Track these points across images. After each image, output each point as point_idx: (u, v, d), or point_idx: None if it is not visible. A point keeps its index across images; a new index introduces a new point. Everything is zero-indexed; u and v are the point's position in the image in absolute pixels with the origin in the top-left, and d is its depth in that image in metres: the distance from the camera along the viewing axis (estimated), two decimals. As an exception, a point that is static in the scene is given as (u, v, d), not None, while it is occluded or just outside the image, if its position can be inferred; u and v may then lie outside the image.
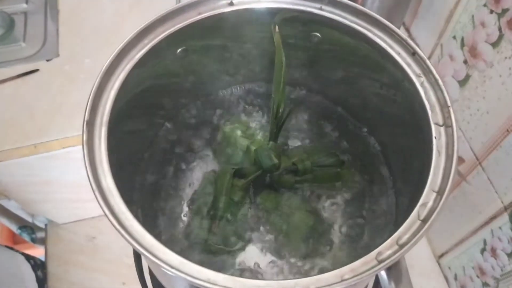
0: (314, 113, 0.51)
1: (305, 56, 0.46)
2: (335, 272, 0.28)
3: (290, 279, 0.28)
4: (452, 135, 0.33)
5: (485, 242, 0.52)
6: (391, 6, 0.59)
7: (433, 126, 0.34)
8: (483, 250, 0.52)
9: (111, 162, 0.33)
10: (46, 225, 0.70)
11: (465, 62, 0.51)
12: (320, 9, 0.40)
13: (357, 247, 0.42)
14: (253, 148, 0.44)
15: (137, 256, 0.51)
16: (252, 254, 0.43)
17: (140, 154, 0.46)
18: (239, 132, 0.47)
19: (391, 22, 0.38)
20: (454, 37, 0.53)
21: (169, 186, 0.46)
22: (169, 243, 0.42)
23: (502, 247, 0.49)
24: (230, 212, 0.43)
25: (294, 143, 0.49)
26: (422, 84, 0.36)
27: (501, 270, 0.50)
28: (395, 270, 0.31)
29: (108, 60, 0.36)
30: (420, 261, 0.64)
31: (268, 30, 0.42)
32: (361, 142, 0.49)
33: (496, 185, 0.48)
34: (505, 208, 0.47)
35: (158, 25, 0.38)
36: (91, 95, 0.34)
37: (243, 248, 0.43)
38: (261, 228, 0.44)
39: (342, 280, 0.27)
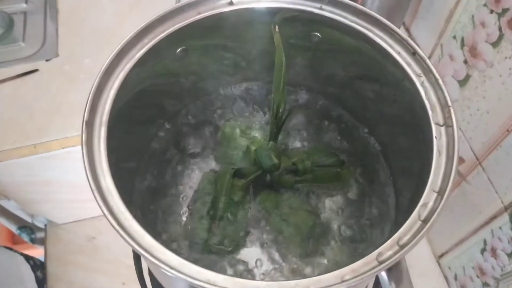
0: (314, 113, 0.51)
1: (305, 56, 0.46)
2: (336, 273, 0.28)
3: (291, 279, 0.28)
4: (453, 135, 0.33)
5: (485, 242, 0.52)
6: (391, 6, 0.59)
7: (433, 126, 0.34)
8: (483, 250, 0.52)
9: (110, 162, 0.32)
10: (45, 225, 0.70)
11: (465, 62, 0.50)
12: (320, 8, 0.40)
13: (357, 247, 0.42)
14: (253, 148, 0.44)
15: (137, 257, 0.51)
16: (252, 255, 0.43)
17: (139, 154, 0.46)
18: (239, 132, 0.47)
19: (391, 22, 0.38)
20: (454, 37, 0.53)
21: (169, 186, 0.46)
22: (169, 244, 0.42)
23: (502, 247, 0.49)
24: (230, 212, 0.43)
25: (294, 143, 0.49)
26: (422, 83, 0.36)
27: (501, 270, 0.50)
28: (396, 270, 0.31)
29: (108, 60, 0.36)
30: (420, 261, 0.64)
31: (268, 30, 0.42)
32: (361, 142, 0.48)
33: (496, 185, 0.48)
34: (505, 208, 0.47)
35: (158, 24, 0.38)
36: (90, 95, 0.34)
37: (243, 249, 0.43)
38: (261, 228, 0.44)
39: (343, 281, 0.27)
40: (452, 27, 0.53)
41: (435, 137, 0.34)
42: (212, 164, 0.48)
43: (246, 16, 0.41)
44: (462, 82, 0.52)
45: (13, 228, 0.76)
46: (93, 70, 0.35)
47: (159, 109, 0.48)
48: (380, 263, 0.28)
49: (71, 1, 0.67)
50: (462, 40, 0.51)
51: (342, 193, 0.46)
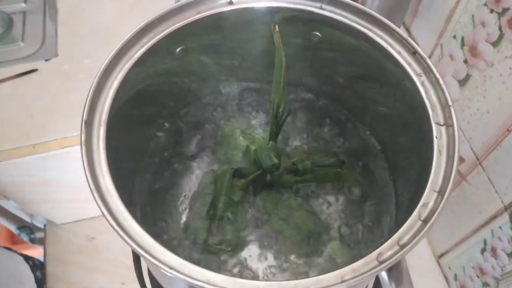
0: (314, 113, 0.51)
1: (305, 55, 0.46)
2: (336, 273, 0.28)
3: (290, 279, 0.28)
4: (453, 134, 0.33)
5: (485, 242, 0.52)
6: (391, 5, 0.59)
7: (434, 126, 0.34)
8: (483, 250, 0.52)
9: (109, 162, 0.32)
10: (45, 225, 0.70)
11: (465, 61, 0.50)
12: (321, 8, 0.40)
13: (357, 247, 0.42)
14: (252, 148, 0.44)
15: (136, 257, 0.51)
16: (252, 255, 0.43)
17: (139, 154, 0.46)
18: (238, 132, 0.47)
19: (391, 22, 0.38)
20: (454, 37, 0.52)
21: (168, 186, 0.46)
22: (168, 244, 0.42)
23: (502, 247, 0.49)
24: (229, 212, 0.43)
25: (294, 143, 0.49)
26: (422, 83, 0.36)
27: (501, 270, 0.50)
28: (396, 270, 0.31)
29: (107, 60, 0.35)
30: (419, 261, 0.64)
31: (268, 30, 0.42)
32: (361, 142, 0.48)
33: (496, 185, 0.48)
34: (505, 208, 0.47)
35: (157, 24, 0.38)
36: (89, 95, 0.34)
37: (243, 249, 0.43)
38: (261, 228, 0.44)
39: (343, 281, 0.27)
40: (452, 27, 0.53)
41: (436, 136, 0.34)
42: (212, 164, 0.48)
43: (246, 16, 0.41)
44: (462, 82, 0.51)
45: (13, 228, 0.76)
46: (93, 70, 0.35)
47: (158, 109, 0.47)
48: (380, 263, 0.28)
49: (71, 1, 0.67)
50: (462, 39, 0.51)
51: (342, 193, 0.46)
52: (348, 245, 0.43)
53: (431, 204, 0.31)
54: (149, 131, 0.48)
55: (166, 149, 0.48)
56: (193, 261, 0.28)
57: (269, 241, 0.43)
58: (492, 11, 0.45)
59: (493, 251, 0.50)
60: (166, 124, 0.49)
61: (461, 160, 0.53)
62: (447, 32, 0.55)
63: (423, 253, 0.65)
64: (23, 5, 0.67)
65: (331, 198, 0.46)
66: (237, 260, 0.42)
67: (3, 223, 0.74)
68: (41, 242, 0.71)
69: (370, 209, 0.44)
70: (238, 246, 0.43)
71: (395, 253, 0.29)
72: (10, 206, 0.70)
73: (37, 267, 0.67)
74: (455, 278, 0.61)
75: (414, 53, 0.37)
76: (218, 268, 0.42)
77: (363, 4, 0.39)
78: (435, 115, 0.35)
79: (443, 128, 0.34)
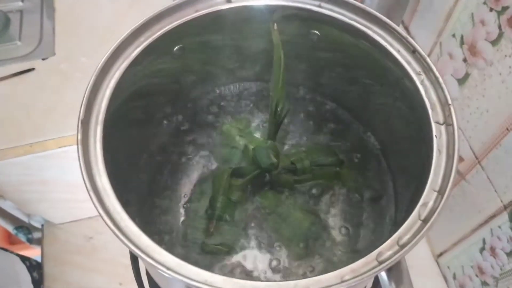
0: (313, 112, 0.50)
1: (304, 54, 0.46)
2: (335, 273, 0.28)
3: (290, 279, 0.28)
4: (453, 133, 0.33)
5: (484, 241, 0.52)
6: (391, 4, 0.58)
7: (433, 125, 0.34)
8: (482, 249, 0.52)
9: (106, 161, 0.32)
10: (42, 225, 0.69)
11: (465, 60, 0.50)
12: (319, 6, 0.39)
13: (357, 247, 0.42)
14: (251, 147, 0.44)
15: (134, 257, 0.51)
16: (251, 255, 0.42)
17: (136, 154, 0.46)
18: (237, 131, 0.47)
19: (390, 20, 0.38)
20: (454, 35, 0.52)
21: (166, 186, 0.46)
22: (166, 244, 0.42)
23: (501, 246, 0.48)
24: (228, 212, 0.42)
25: (292, 142, 0.49)
26: (422, 82, 0.36)
27: (501, 269, 0.50)
28: (396, 270, 0.31)
29: (103, 58, 0.35)
30: (418, 260, 0.64)
31: (266, 28, 0.41)
32: (360, 141, 0.48)
33: (495, 184, 0.48)
34: (505, 207, 0.47)
35: (155, 22, 0.38)
36: (86, 94, 0.34)
37: (241, 248, 0.43)
38: (260, 228, 0.44)
39: (342, 281, 0.27)
40: (452, 25, 0.53)
41: (435, 135, 0.34)
42: (210, 164, 0.47)
43: (244, 14, 0.41)
44: (462, 81, 0.51)
45: (10, 228, 0.75)
46: (90, 69, 0.35)
47: (156, 108, 0.47)
48: (380, 263, 0.28)
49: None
50: (462, 38, 0.51)
51: (341, 193, 0.45)
52: (347, 245, 0.43)
53: (430, 203, 0.31)
54: (147, 130, 0.47)
55: (164, 149, 0.47)
56: (190, 261, 0.28)
57: (268, 241, 0.43)
58: (491, 9, 0.45)
59: (492, 250, 0.50)
60: (164, 123, 0.49)
61: (460, 159, 0.52)
62: (446, 30, 0.54)
63: (421, 252, 0.65)
64: (20, 3, 0.67)
65: (330, 198, 0.45)
66: (236, 260, 0.42)
67: (0, 223, 0.74)
68: (39, 242, 0.70)
69: (369, 209, 0.44)
70: (236, 246, 0.42)
71: (395, 253, 0.29)
72: (7, 206, 0.69)
73: (34, 267, 0.67)
74: (454, 278, 0.61)
75: (413, 51, 0.37)
76: (216, 268, 0.41)
77: (362, 2, 0.39)
78: (434, 114, 0.35)
79: (442, 127, 0.34)
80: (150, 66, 0.40)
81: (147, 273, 0.49)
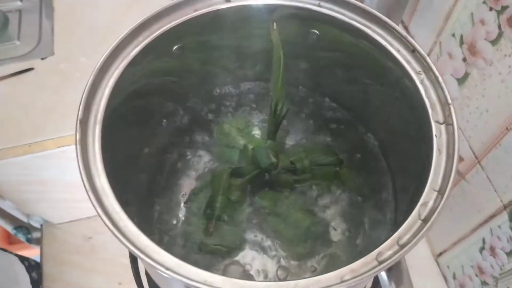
0: (313, 112, 0.50)
1: (303, 54, 0.46)
2: (335, 273, 0.28)
3: (289, 279, 0.28)
4: (453, 133, 0.33)
5: (484, 241, 0.51)
6: (390, 3, 0.58)
7: (433, 124, 0.34)
8: (482, 249, 0.52)
9: (105, 161, 0.32)
10: (41, 225, 0.69)
11: (464, 60, 0.50)
12: (319, 5, 0.39)
13: (356, 247, 0.42)
14: (250, 146, 0.44)
15: (133, 257, 0.51)
16: (250, 255, 0.42)
17: (135, 154, 0.46)
18: (236, 131, 0.47)
19: (390, 20, 0.38)
20: (453, 35, 0.52)
21: (166, 185, 0.46)
22: (165, 244, 0.42)
23: (501, 246, 0.48)
24: (227, 212, 0.42)
25: (292, 142, 0.49)
26: (422, 81, 0.36)
27: (500, 269, 0.49)
28: (396, 270, 0.31)
29: (102, 58, 0.35)
30: (418, 260, 0.64)
31: (266, 28, 0.41)
32: (360, 141, 0.48)
33: (495, 184, 0.47)
34: (504, 207, 0.46)
35: (154, 22, 0.38)
36: (84, 93, 0.34)
37: (240, 249, 0.42)
38: (259, 228, 0.43)
39: (342, 281, 0.27)
40: (451, 25, 0.53)
41: (435, 135, 0.34)
42: (210, 164, 0.47)
43: (243, 14, 0.41)
44: (461, 80, 0.51)
45: (9, 228, 0.75)
46: (89, 69, 0.35)
47: (155, 107, 0.47)
48: (380, 263, 0.28)
49: (67, -1, 0.67)
50: (461, 38, 0.50)
51: (340, 192, 0.45)
52: (347, 244, 0.43)
53: (430, 203, 0.31)
54: (146, 130, 0.47)
55: (163, 148, 0.47)
56: (190, 261, 0.28)
57: (267, 241, 0.43)
58: (491, 9, 0.44)
59: (492, 250, 0.50)
60: (163, 123, 0.48)
61: (460, 159, 0.52)
62: (445, 30, 0.54)
63: (421, 252, 0.65)
64: (19, 3, 0.66)
65: (329, 197, 0.45)
66: (235, 260, 0.42)
67: (-1, 223, 0.73)
68: (38, 242, 0.70)
69: (369, 208, 0.44)
70: (235, 246, 0.42)
71: (395, 253, 0.28)
72: (6, 206, 0.69)
73: (33, 267, 0.67)
74: (454, 277, 0.61)
75: (413, 51, 0.37)
76: (215, 268, 0.41)
77: (361, 1, 0.39)
78: (434, 113, 0.35)
79: (442, 127, 0.34)
80: (149, 66, 0.40)
81: (146, 273, 0.49)
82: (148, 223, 0.43)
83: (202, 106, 0.50)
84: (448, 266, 0.62)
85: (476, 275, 0.55)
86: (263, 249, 0.43)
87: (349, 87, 0.47)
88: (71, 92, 0.56)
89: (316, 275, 0.28)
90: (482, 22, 0.46)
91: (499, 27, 0.43)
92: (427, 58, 0.36)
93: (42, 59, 0.60)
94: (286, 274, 0.41)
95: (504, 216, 0.47)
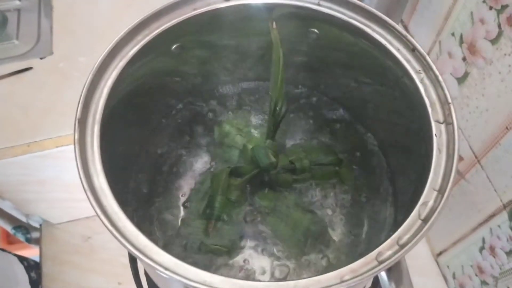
0: (312, 111, 0.50)
1: (303, 53, 0.46)
2: (335, 273, 0.27)
3: (289, 279, 0.27)
4: (453, 132, 0.33)
5: (484, 240, 0.51)
6: (390, 2, 0.58)
7: (433, 124, 0.34)
8: (481, 249, 0.52)
9: (104, 161, 0.32)
10: (40, 225, 0.69)
11: (464, 59, 0.50)
12: (318, 4, 0.39)
13: (356, 247, 0.42)
14: (250, 146, 0.44)
15: (132, 257, 0.50)
16: (250, 255, 0.42)
17: (134, 153, 0.46)
18: (235, 130, 0.47)
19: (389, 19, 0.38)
20: (453, 34, 0.52)
21: (165, 185, 0.45)
22: (164, 244, 0.42)
23: (501, 246, 0.48)
24: (226, 212, 0.42)
25: (292, 141, 0.49)
26: (422, 80, 0.36)
27: (500, 268, 0.49)
28: (396, 270, 0.31)
29: (101, 57, 0.35)
30: (418, 259, 0.64)
31: (265, 27, 0.41)
32: (359, 140, 0.48)
33: (495, 183, 0.47)
34: (504, 206, 0.46)
35: (153, 21, 0.38)
36: (83, 93, 0.34)
37: (240, 248, 0.42)
38: (259, 228, 0.43)
39: (342, 281, 0.27)
40: (451, 24, 0.53)
41: (435, 134, 0.34)
42: (209, 163, 0.47)
43: (243, 12, 0.41)
44: (461, 80, 0.51)
45: (8, 227, 0.75)
46: (88, 68, 0.35)
47: (154, 107, 0.47)
48: (380, 263, 0.28)
49: (66, -2, 0.67)
50: (461, 37, 0.50)
51: (340, 192, 0.45)
52: (346, 244, 0.42)
53: (430, 203, 0.31)
54: (145, 130, 0.47)
55: (162, 148, 0.47)
56: (189, 261, 0.28)
57: (267, 241, 0.43)
58: (491, 8, 0.44)
59: (492, 249, 0.50)
60: (162, 123, 0.48)
61: (460, 158, 0.52)
62: (445, 29, 0.54)
63: (421, 252, 0.65)
64: (17, 2, 0.66)
65: (329, 197, 0.45)
66: (234, 260, 0.42)
67: (-2, 223, 0.73)
68: (37, 242, 0.70)
69: (369, 208, 0.44)
70: (235, 246, 0.42)
71: (395, 253, 0.28)
72: (5, 205, 0.69)
73: (32, 267, 0.67)
74: (454, 277, 0.61)
75: (413, 50, 0.37)
76: (214, 268, 0.41)
77: (361, 0, 0.39)
78: (434, 112, 0.35)
79: (442, 126, 0.34)
80: (148, 65, 0.40)
81: (146, 273, 0.48)
82: (147, 223, 0.43)
83: (201, 106, 0.50)
84: (448, 266, 0.62)
85: (476, 275, 0.55)
86: (262, 249, 0.43)
87: (348, 86, 0.47)
88: (70, 92, 0.56)
89: (316, 275, 0.27)
90: (482, 21, 0.46)
91: (499, 26, 0.43)
92: (427, 57, 0.36)
93: (41, 58, 0.60)
94: (286, 274, 0.41)
95: (504, 215, 0.47)
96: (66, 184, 0.59)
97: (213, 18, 0.40)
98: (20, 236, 0.76)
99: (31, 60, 0.59)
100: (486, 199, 0.49)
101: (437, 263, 0.65)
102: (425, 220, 0.30)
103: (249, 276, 0.41)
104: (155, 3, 0.38)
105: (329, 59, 0.46)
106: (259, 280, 0.41)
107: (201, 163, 0.47)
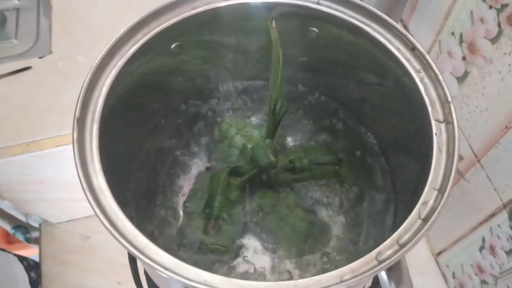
0: (312, 110, 0.50)
1: (302, 52, 0.45)
2: (335, 273, 0.27)
3: (289, 279, 0.27)
4: (453, 131, 0.33)
5: (483, 240, 0.51)
6: (390, 1, 0.58)
7: (433, 123, 0.34)
8: (481, 248, 0.52)
9: (103, 160, 0.32)
10: (40, 224, 0.69)
11: (464, 58, 0.50)
12: (318, 3, 0.39)
13: (356, 246, 0.42)
14: (249, 146, 0.44)
15: (132, 257, 0.50)
16: (249, 254, 0.42)
17: (134, 153, 0.46)
18: (235, 130, 0.47)
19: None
20: (453, 33, 0.52)
21: (164, 184, 0.45)
22: (164, 244, 0.42)
23: (501, 245, 0.48)
24: (226, 212, 0.42)
25: (291, 140, 0.48)
26: (422, 79, 0.36)
27: (500, 268, 0.49)
28: (396, 270, 0.31)
29: (99, 56, 0.35)
30: (417, 259, 0.64)
31: (264, 26, 0.41)
32: (359, 140, 0.48)
33: (495, 183, 0.47)
34: (504, 206, 0.46)
35: (152, 19, 0.38)
36: (81, 92, 0.33)
37: (239, 248, 0.42)
38: (258, 228, 0.43)
39: (342, 281, 0.27)
40: (451, 23, 0.53)
41: (435, 134, 0.33)
42: (208, 163, 0.47)
43: (242, 12, 0.41)
44: (461, 79, 0.51)
45: (8, 227, 0.75)
46: (87, 68, 0.35)
47: (154, 106, 0.47)
48: (380, 262, 0.28)
49: (65, -3, 0.67)
50: (461, 36, 0.50)
51: (340, 192, 0.45)
52: (346, 244, 0.42)
53: (431, 202, 0.31)
54: (144, 129, 0.47)
55: (161, 147, 0.47)
56: (189, 261, 0.28)
57: (266, 241, 0.43)
58: (491, 7, 0.44)
59: (492, 249, 0.50)
60: (162, 122, 0.48)
61: (460, 158, 0.52)
62: (445, 28, 0.54)
63: (420, 251, 0.65)
64: (16, 2, 0.66)
65: (329, 197, 0.45)
66: (234, 260, 0.42)
67: (-3, 223, 0.73)
68: (37, 241, 0.70)
69: (368, 208, 0.44)
70: (234, 246, 0.42)
71: (395, 253, 0.28)
72: (5, 205, 0.69)
73: (32, 267, 0.67)
74: (453, 276, 0.61)
75: (413, 49, 0.36)
76: (214, 268, 0.41)
77: (361, -1, 0.39)
78: (434, 112, 0.34)
79: (442, 125, 0.34)
80: (147, 64, 0.39)
81: (145, 273, 0.48)
82: (147, 223, 0.43)
83: (201, 105, 0.50)
84: (447, 265, 0.62)
85: (476, 274, 0.55)
86: (262, 249, 0.42)
87: (348, 85, 0.47)
88: (69, 91, 0.56)
89: (316, 275, 0.27)
90: (482, 20, 0.46)
91: (499, 25, 0.43)
92: (427, 56, 0.36)
93: (40, 57, 0.60)
94: (286, 274, 0.41)
95: (504, 215, 0.47)
96: (65, 183, 0.59)
97: (212, 17, 0.40)
98: (20, 236, 0.76)
99: (30, 59, 0.59)
100: (486, 198, 0.49)
101: (437, 262, 0.65)
102: (425, 220, 0.30)
103: (248, 275, 0.41)
104: (154, 2, 0.38)
105: (329, 59, 0.45)
106: (259, 280, 0.41)
107: (200, 162, 0.47)
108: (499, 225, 0.48)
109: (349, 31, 0.39)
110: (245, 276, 0.41)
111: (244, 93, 0.51)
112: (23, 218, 0.72)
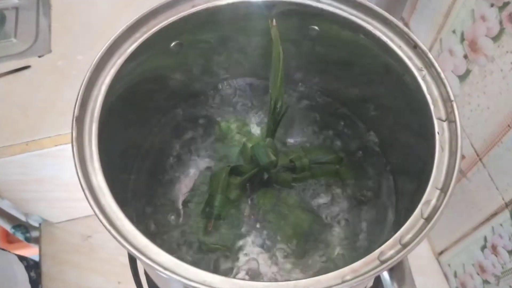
0: (312, 109, 0.50)
1: (303, 50, 0.45)
2: (336, 273, 0.27)
3: (289, 280, 0.27)
4: (456, 130, 0.33)
5: (485, 239, 0.51)
6: (389, 0, 0.58)
7: (435, 121, 0.34)
8: (483, 247, 0.52)
9: (102, 159, 0.32)
10: (40, 224, 0.69)
11: (465, 56, 0.50)
12: (318, 1, 0.39)
13: (357, 246, 0.42)
14: (249, 145, 0.44)
15: (132, 257, 0.50)
16: (249, 254, 0.42)
17: (133, 152, 0.45)
18: (235, 129, 0.47)
19: (389, 16, 0.37)
20: (454, 32, 0.52)
21: (164, 184, 0.45)
22: (164, 244, 0.41)
23: (503, 244, 0.48)
24: (226, 211, 0.42)
25: (291, 139, 0.48)
26: (423, 77, 0.35)
27: (502, 267, 0.49)
28: (398, 270, 0.30)
29: (98, 55, 0.35)
30: (419, 258, 0.64)
31: (265, 24, 0.41)
32: (360, 138, 0.48)
33: (496, 182, 0.47)
34: (506, 205, 0.46)
35: (151, 18, 0.37)
36: (80, 91, 0.33)
37: (239, 248, 0.42)
38: (258, 227, 0.43)
39: (343, 282, 0.27)
40: (452, 22, 0.52)
41: (437, 132, 0.33)
42: (208, 162, 0.47)
43: (243, 10, 0.40)
44: (462, 77, 0.51)
45: (8, 227, 0.75)
46: (87, 66, 0.34)
47: (153, 105, 0.47)
48: (382, 262, 0.28)
49: (64, -4, 0.66)
50: (462, 34, 0.50)
51: (341, 191, 0.45)
52: (348, 244, 0.42)
53: (433, 201, 0.31)
54: (144, 128, 0.47)
55: (161, 147, 0.47)
56: (188, 261, 0.28)
57: (267, 240, 0.43)
58: (492, 5, 0.44)
59: (494, 248, 0.50)
60: (162, 121, 0.48)
61: (462, 157, 0.52)
62: (446, 27, 0.54)
63: (422, 251, 0.65)
64: (16, 1, 0.66)
65: (329, 196, 0.45)
66: (234, 260, 0.42)
67: (-3, 222, 0.73)
68: (37, 241, 0.70)
69: (370, 207, 0.44)
70: (234, 245, 0.42)
71: (397, 253, 0.28)
72: (4, 205, 0.69)
73: (32, 267, 0.67)
74: (455, 276, 0.61)
75: (415, 47, 0.36)
76: (214, 268, 0.41)
77: (362, -3, 0.38)
78: (436, 110, 0.34)
79: (445, 124, 0.34)
80: (146, 63, 0.39)
81: (145, 273, 0.48)
82: (146, 223, 0.43)
83: (201, 104, 0.50)
84: (449, 265, 0.62)
85: (478, 274, 0.55)
86: (262, 248, 0.42)
87: (349, 84, 0.47)
88: (69, 90, 0.56)
89: (317, 275, 0.27)
90: (483, 18, 0.46)
91: (500, 23, 0.43)
92: (429, 54, 0.35)
93: (39, 56, 0.60)
94: (286, 274, 0.41)
95: (506, 214, 0.46)
96: (65, 183, 0.59)
97: (212, 16, 0.40)
98: (20, 235, 0.76)
99: (29, 58, 0.59)
100: (487, 197, 0.49)
101: (439, 262, 0.64)
102: (427, 219, 0.30)
103: (248, 275, 0.41)
104: (154, 1, 0.38)
105: (330, 57, 0.45)
106: (259, 280, 0.40)
107: (200, 161, 0.47)
108: (501, 224, 0.48)
109: (350, 29, 0.39)
110: (244, 275, 0.41)
111: (244, 91, 0.51)
112: (23, 218, 0.72)
